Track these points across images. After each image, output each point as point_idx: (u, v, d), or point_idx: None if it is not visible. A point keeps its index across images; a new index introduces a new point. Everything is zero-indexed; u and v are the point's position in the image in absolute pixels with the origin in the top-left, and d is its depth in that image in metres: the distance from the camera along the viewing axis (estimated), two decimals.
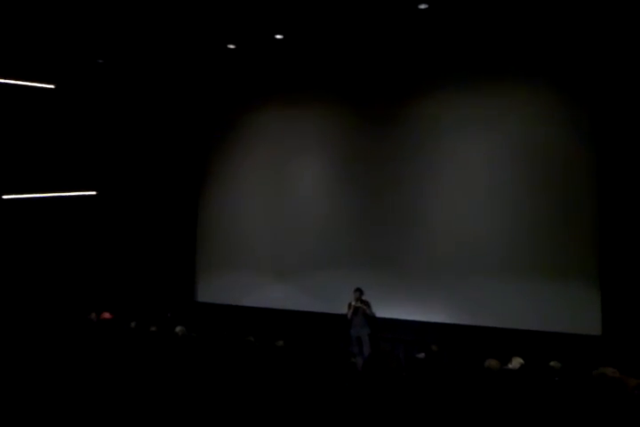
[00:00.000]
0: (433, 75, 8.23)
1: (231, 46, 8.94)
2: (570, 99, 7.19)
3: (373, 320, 7.71)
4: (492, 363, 4.72)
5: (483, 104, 7.72)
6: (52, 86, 10.08)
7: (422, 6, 7.13)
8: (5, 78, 8.63)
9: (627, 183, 6.57)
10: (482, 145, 7.73)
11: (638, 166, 6.52)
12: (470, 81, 7.86)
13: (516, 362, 5.04)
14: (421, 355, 5.72)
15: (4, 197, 9.02)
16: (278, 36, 8.52)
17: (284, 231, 9.28)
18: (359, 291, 7.75)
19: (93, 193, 9.78)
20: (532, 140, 7.35)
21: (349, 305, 7.70)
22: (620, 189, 6.63)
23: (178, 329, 6.45)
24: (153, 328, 6.87)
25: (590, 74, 6.99)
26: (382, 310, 7.81)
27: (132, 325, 7.24)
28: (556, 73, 7.30)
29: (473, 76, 7.86)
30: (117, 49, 9.01)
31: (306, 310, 8.74)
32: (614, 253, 6.60)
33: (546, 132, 7.28)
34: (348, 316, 7.68)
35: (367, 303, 7.75)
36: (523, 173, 7.38)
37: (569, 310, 6.81)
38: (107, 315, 7.98)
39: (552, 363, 4.98)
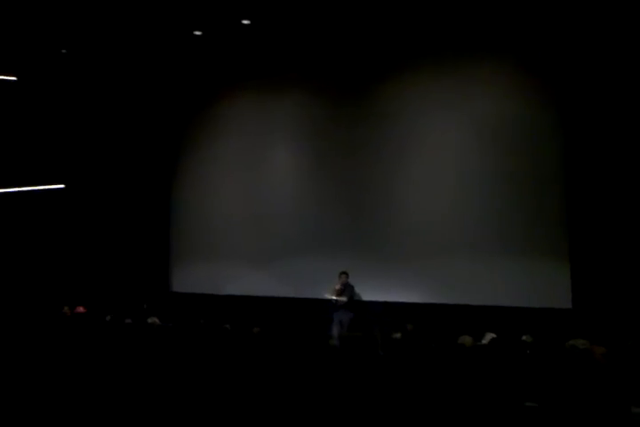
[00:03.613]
0: (401, 58, 8.26)
1: (197, 33, 8.80)
2: (537, 78, 7.24)
3: (357, 304, 7.75)
4: (465, 339, 4.77)
5: (450, 86, 7.77)
6: (14, 78, 9.84)
7: None
8: None
9: (593, 162, 6.66)
10: (451, 126, 7.78)
11: (605, 145, 6.61)
12: (438, 62, 7.91)
13: (489, 337, 5.10)
14: (397, 335, 5.77)
15: None
16: (245, 22, 8.41)
17: (260, 218, 9.23)
18: (345, 274, 7.81)
19: (61, 186, 9.61)
20: (501, 120, 7.42)
21: (334, 289, 7.75)
22: (586, 167, 6.72)
23: (151, 320, 6.38)
24: (128, 320, 6.80)
25: (556, 52, 7.04)
26: (358, 293, 7.89)
27: (108, 318, 7.15)
28: (522, 52, 7.35)
29: (440, 57, 7.90)
30: (81, 38, 8.80)
31: (284, 296, 8.72)
32: (582, 230, 6.71)
33: (513, 112, 7.36)
34: (333, 300, 7.73)
35: (351, 287, 7.83)
36: (492, 152, 7.45)
37: (540, 285, 6.93)
38: (81, 309, 7.88)
39: (524, 337, 5.06)
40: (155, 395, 3.51)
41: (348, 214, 8.42)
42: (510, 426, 2.97)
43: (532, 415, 2.97)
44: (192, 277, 9.82)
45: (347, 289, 7.83)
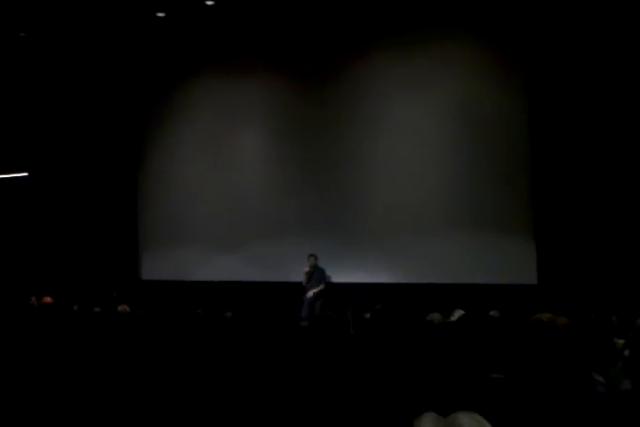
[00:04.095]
0: (368, 38, 8.28)
1: (160, 14, 8.60)
2: (504, 56, 7.39)
3: (328, 286, 7.84)
4: (434, 316, 4.84)
5: (418, 65, 7.85)
6: None
7: None
8: None
9: (559, 138, 6.80)
10: (419, 106, 7.85)
11: (571, 124, 6.75)
12: (406, 42, 7.97)
13: (458, 314, 5.18)
14: (367, 315, 5.81)
15: None
16: (209, 3, 8.26)
17: (228, 202, 9.17)
18: (313, 257, 7.83)
19: (25, 174, 9.37)
20: (469, 99, 7.53)
21: (304, 272, 7.85)
22: (552, 144, 6.86)
23: (121, 308, 6.29)
24: (97, 309, 6.69)
25: (523, 30, 7.14)
26: (329, 275, 7.96)
27: (75, 307, 7.02)
28: (488, 31, 7.45)
29: (408, 36, 7.97)
30: (40, 21, 8.53)
31: (254, 280, 8.71)
32: (548, 208, 6.87)
33: (481, 90, 7.48)
34: (304, 282, 7.80)
35: (321, 269, 7.85)
36: (459, 130, 7.54)
37: (507, 262, 7.12)
38: (48, 299, 7.71)
39: (492, 312, 5.15)
40: (127, 383, 3.47)
41: (316, 196, 8.44)
42: (478, 397, 3.03)
43: (498, 387, 3.03)
44: (162, 265, 9.69)
45: (316, 272, 7.87)
